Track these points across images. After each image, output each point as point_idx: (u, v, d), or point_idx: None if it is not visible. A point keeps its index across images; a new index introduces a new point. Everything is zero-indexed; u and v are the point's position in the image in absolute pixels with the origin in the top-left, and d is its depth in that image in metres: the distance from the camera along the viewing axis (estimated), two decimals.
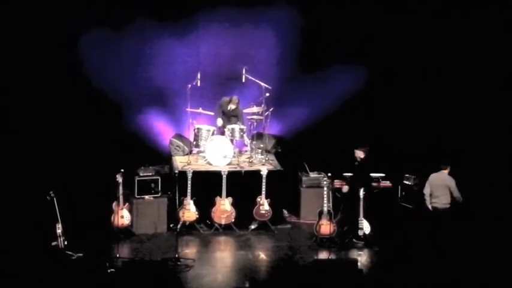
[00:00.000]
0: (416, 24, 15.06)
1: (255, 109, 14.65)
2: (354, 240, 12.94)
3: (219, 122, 14.59)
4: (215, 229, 13.57)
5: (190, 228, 13.48)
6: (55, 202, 12.13)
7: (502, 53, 14.75)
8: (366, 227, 12.91)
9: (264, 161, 14.40)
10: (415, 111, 15.12)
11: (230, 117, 14.68)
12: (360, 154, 13.14)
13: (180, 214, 13.39)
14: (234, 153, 14.22)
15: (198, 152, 14.59)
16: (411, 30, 15.10)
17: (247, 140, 14.44)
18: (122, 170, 13.02)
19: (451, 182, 12.50)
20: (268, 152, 14.90)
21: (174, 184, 13.67)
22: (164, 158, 15.07)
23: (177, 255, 12.03)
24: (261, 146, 14.68)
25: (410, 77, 15.18)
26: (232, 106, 14.57)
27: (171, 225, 13.38)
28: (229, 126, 14.44)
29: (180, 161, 14.43)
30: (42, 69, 14.38)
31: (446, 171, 12.64)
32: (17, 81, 14.26)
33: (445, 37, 15.04)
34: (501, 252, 12.21)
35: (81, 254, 12.08)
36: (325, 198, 13.02)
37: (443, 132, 14.93)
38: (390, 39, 15.23)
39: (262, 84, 14.52)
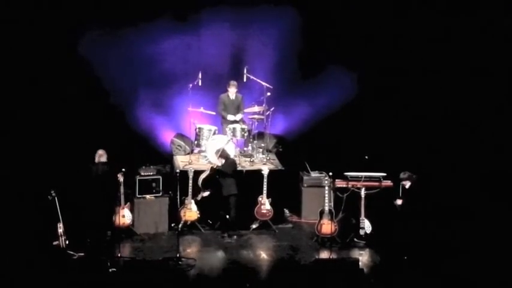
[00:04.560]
0: (415, 26, 15.09)
1: (256, 108, 14.65)
2: (355, 239, 12.95)
3: (231, 117, 14.55)
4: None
5: (191, 228, 13.49)
6: (56, 202, 12.14)
7: (502, 53, 14.77)
8: (367, 226, 12.92)
9: (265, 160, 14.41)
10: (416, 111, 15.14)
11: (233, 110, 14.63)
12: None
13: (182, 214, 13.40)
14: (235, 152, 14.23)
15: (200, 152, 14.59)
16: (410, 32, 15.12)
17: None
18: (123, 170, 13.02)
19: None
20: (269, 151, 14.92)
21: (175, 183, 13.67)
22: (165, 158, 15.08)
23: (178, 255, 12.05)
24: (262, 145, 14.69)
25: (411, 77, 15.19)
26: (232, 91, 14.54)
27: (172, 225, 13.38)
28: (231, 126, 14.45)
29: (181, 161, 14.44)
30: (44, 70, 14.40)
31: None
32: (19, 81, 14.27)
33: (443, 39, 15.05)
34: (501, 251, 12.22)
35: (82, 254, 12.10)
36: (326, 198, 13.03)
37: (441, 132, 14.96)
38: (390, 40, 15.24)
39: (264, 83, 14.54)
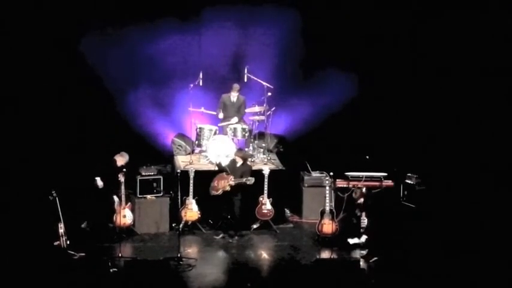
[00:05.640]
0: (415, 26, 15.10)
1: (256, 108, 14.65)
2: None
3: (220, 114, 14.56)
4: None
5: (192, 228, 13.50)
6: (57, 202, 12.15)
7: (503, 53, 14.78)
8: (365, 222, 12.94)
9: (266, 160, 14.41)
10: (416, 111, 15.14)
11: (233, 112, 14.64)
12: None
13: (182, 214, 13.39)
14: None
15: (200, 152, 14.60)
16: (411, 32, 15.13)
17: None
18: (124, 170, 13.04)
19: None
20: (270, 151, 14.92)
21: (176, 183, 13.68)
22: (166, 158, 15.10)
23: (179, 255, 12.05)
24: (263, 145, 14.70)
25: (411, 78, 15.20)
26: (234, 94, 14.55)
27: (173, 225, 13.38)
28: (232, 126, 14.44)
29: (182, 161, 14.45)
30: (44, 70, 14.41)
31: None
32: (21, 80, 14.28)
33: (443, 38, 15.06)
34: (503, 251, 12.22)
35: (83, 254, 12.11)
36: (327, 198, 13.03)
37: (441, 132, 14.98)
38: (390, 40, 15.25)
39: (264, 83, 14.54)
